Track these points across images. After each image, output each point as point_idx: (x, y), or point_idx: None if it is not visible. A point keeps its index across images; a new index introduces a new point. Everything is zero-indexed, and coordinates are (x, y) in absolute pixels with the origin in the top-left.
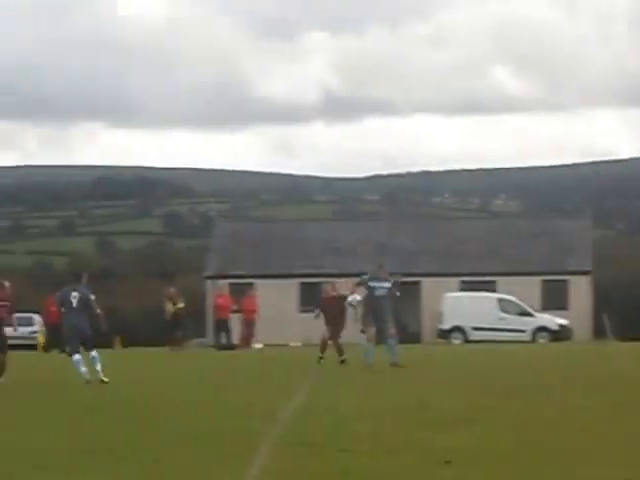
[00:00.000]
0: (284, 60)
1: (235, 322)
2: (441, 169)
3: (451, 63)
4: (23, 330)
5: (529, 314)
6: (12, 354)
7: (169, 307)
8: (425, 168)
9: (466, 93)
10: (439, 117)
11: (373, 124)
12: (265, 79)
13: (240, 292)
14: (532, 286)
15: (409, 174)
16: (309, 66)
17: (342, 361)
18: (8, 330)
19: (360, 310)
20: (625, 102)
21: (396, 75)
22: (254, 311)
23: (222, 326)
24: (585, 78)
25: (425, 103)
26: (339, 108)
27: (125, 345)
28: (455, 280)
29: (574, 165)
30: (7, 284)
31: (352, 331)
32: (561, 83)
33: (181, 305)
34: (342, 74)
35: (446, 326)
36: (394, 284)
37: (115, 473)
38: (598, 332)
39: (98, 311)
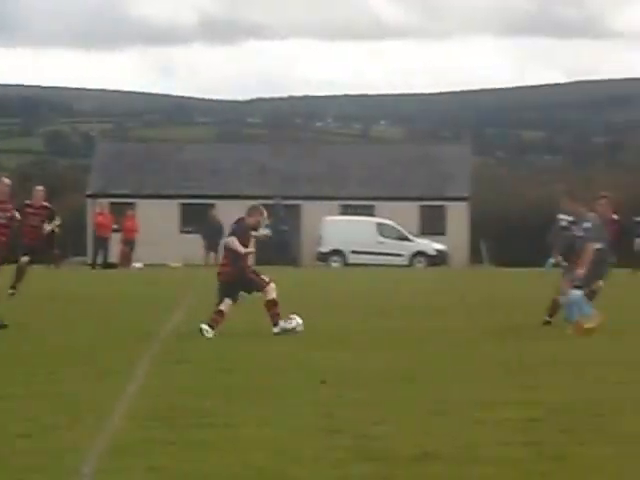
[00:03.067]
0: None
1: (115, 241)
2: (323, 94)
3: None
4: None
5: (407, 239)
6: None
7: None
8: (307, 92)
9: (345, 18)
10: (318, 42)
11: (253, 47)
12: (142, 1)
13: (121, 212)
14: (411, 211)
15: (291, 98)
16: None
17: None
18: None
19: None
20: (504, 31)
21: None
22: (134, 230)
23: (101, 244)
24: (464, 6)
25: (304, 27)
26: (218, 30)
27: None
28: (335, 204)
29: (454, 93)
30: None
31: None
32: (440, 11)
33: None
34: None
35: (325, 249)
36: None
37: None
38: (475, 258)
39: None
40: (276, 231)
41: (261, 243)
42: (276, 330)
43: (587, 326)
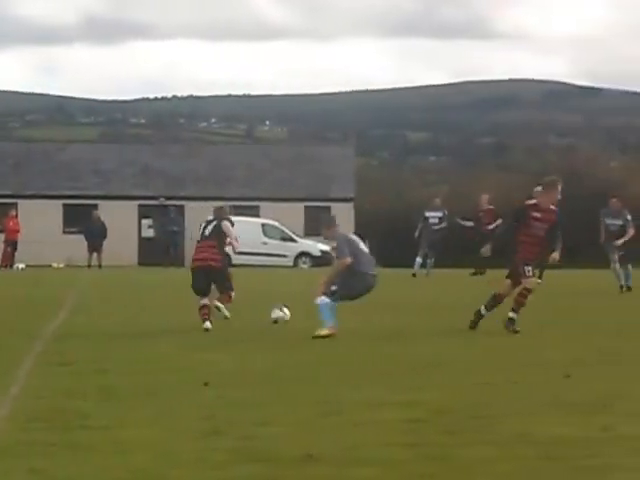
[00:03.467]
0: None
1: None
2: (207, 94)
3: None
4: None
5: (292, 239)
6: None
7: None
8: (191, 92)
9: (229, 19)
10: (202, 42)
11: (136, 47)
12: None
13: (3, 212)
14: (296, 212)
15: (175, 98)
16: None
17: None
18: None
19: None
20: (387, 32)
21: None
22: (16, 231)
23: None
24: (347, 7)
25: (187, 28)
26: (101, 30)
27: None
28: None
29: (339, 93)
30: None
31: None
32: (323, 12)
33: None
34: None
35: None
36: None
37: None
38: None
39: None
40: (166, 232)
41: (150, 244)
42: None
43: (320, 333)
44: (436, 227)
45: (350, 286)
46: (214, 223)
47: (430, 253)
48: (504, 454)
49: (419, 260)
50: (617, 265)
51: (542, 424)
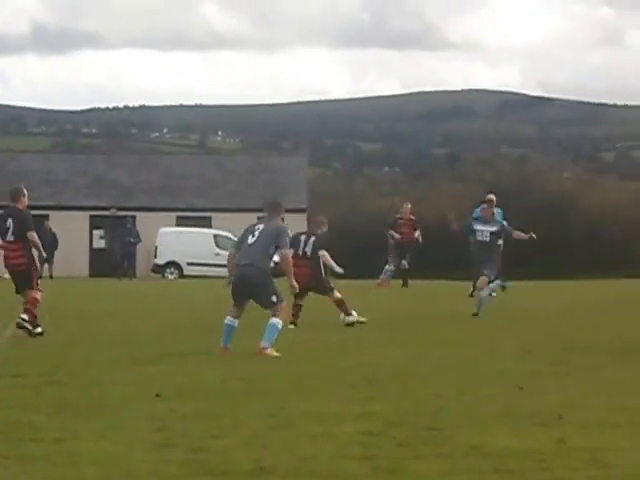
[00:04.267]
0: None
1: None
2: (159, 104)
3: None
4: None
5: None
6: None
7: None
8: (143, 102)
9: (179, 29)
10: (153, 51)
11: (86, 56)
12: None
13: None
14: (248, 222)
15: (127, 108)
16: None
17: None
18: None
19: None
20: (338, 42)
21: (105, 8)
22: None
23: None
24: (298, 17)
25: (135, 37)
26: (50, 40)
27: None
28: (171, 215)
29: (291, 104)
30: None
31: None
32: (273, 22)
33: None
34: (50, 6)
35: (161, 261)
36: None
37: None
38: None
39: None
40: (122, 242)
41: (101, 255)
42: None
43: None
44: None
45: None
46: (312, 239)
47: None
48: (458, 467)
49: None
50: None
51: (496, 436)
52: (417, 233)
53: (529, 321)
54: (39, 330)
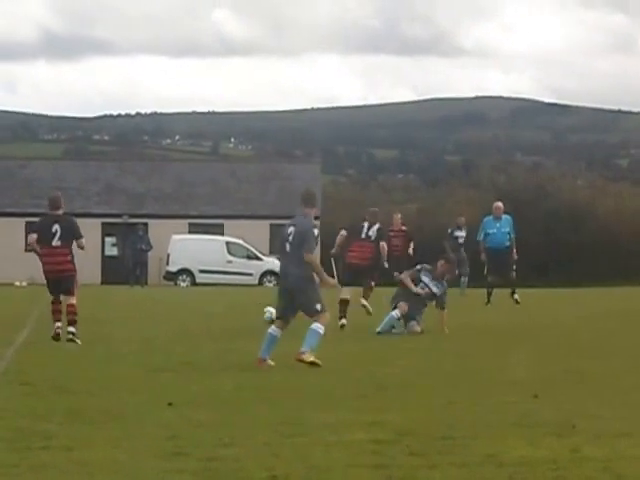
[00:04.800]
0: None
1: None
2: (172, 111)
3: (172, 4)
4: None
5: (257, 257)
6: None
7: None
8: (155, 109)
9: (191, 35)
10: (164, 58)
11: (97, 63)
12: None
13: None
14: (261, 230)
15: (139, 115)
16: (26, 4)
17: None
18: None
19: None
20: (351, 49)
21: (116, 15)
22: None
23: None
24: (311, 24)
25: (147, 44)
26: (61, 47)
27: None
28: (183, 222)
29: (305, 110)
30: None
31: None
32: (286, 28)
33: None
34: (60, 13)
35: (173, 268)
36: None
37: None
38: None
39: None
40: (134, 250)
41: (113, 262)
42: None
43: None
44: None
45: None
46: (377, 226)
47: (462, 272)
48: (471, 476)
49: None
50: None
51: (510, 445)
52: (411, 245)
53: (543, 329)
54: (72, 330)
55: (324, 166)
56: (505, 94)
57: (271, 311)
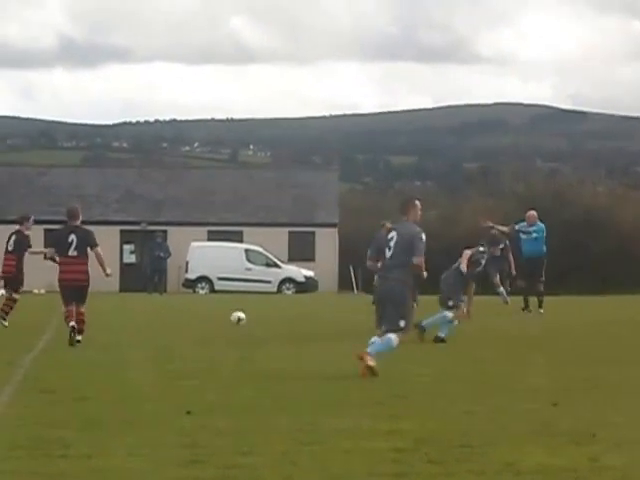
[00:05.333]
0: (20, 4)
1: None
2: (190, 118)
3: (190, 11)
4: None
5: (275, 265)
6: None
7: None
8: (174, 116)
9: (209, 42)
10: (183, 65)
11: (115, 70)
12: (1, 24)
13: None
14: (279, 237)
15: (158, 122)
16: (45, 11)
17: None
18: None
19: None
20: (369, 56)
21: (135, 22)
22: None
23: None
24: (328, 31)
25: (165, 51)
26: (79, 54)
27: None
28: (202, 229)
29: (323, 118)
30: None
31: None
32: (303, 35)
33: None
34: (78, 20)
35: (192, 276)
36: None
37: None
38: (344, 284)
39: None
40: (153, 257)
41: (132, 270)
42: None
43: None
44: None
45: None
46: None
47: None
48: None
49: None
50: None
51: (529, 453)
52: None
53: (562, 336)
54: (79, 338)
55: (342, 174)
56: (523, 101)
57: (240, 316)
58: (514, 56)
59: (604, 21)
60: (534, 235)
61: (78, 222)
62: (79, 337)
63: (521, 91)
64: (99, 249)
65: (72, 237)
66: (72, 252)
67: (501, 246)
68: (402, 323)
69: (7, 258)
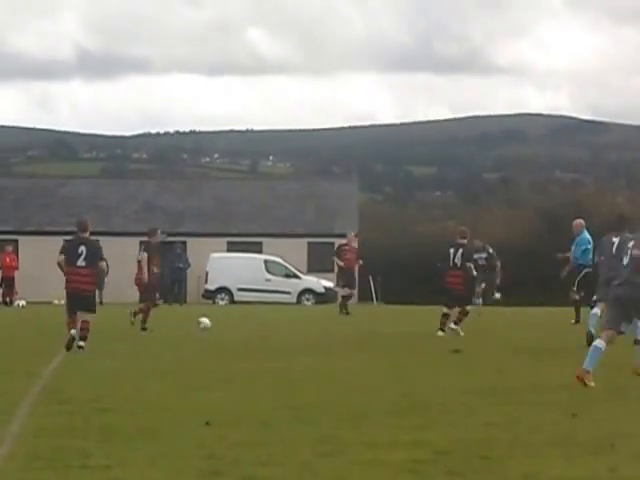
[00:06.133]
0: (37, 16)
1: None
2: (210, 129)
3: (207, 22)
4: None
5: (295, 276)
6: None
7: None
8: (194, 128)
9: (226, 54)
10: (199, 77)
11: (134, 82)
12: (19, 35)
13: (3, 249)
14: (298, 248)
15: (178, 133)
16: (62, 22)
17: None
18: None
19: None
20: (385, 67)
21: (152, 33)
22: (14, 268)
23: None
24: (345, 42)
25: (183, 63)
26: (96, 65)
27: None
28: (222, 240)
29: (342, 128)
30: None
31: None
32: (321, 47)
33: None
34: (96, 32)
35: (212, 287)
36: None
37: None
38: (364, 295)
39: None
40: (172, 268)
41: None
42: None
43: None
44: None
45: None
46: (461, 251)
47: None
48: None
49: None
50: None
51: (548, 465)
52: (360, 262)
53: (580, 347)
54: (82, 344)
55: (361, 184)
56: (543, 111)
57: (205, 322)
58: (531, 66)
59: (620, 31)
60: (577, 246)
61: (87, 234)
62: (81, 343)
63: (538, 101)
64: (104, 264)
65: (82, 248)
66: (81, 262)
67: (484, 255)
68: None
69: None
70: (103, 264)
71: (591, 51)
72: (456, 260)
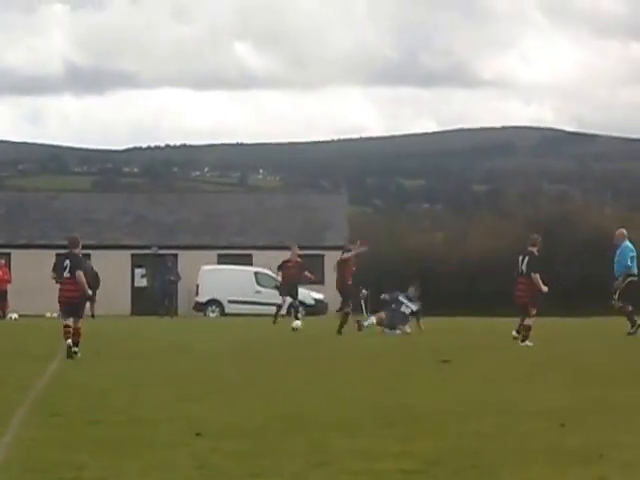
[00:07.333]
0: (26, 32)
1: None
2: (200, 143)
3: (196, 37)
4: None
5: None
6: None
7: None
8: (184, 141)
9: (214, 68)
10: (188, 91)
11: (123, 96)
12: (9, 51)
13: None
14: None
15: (168, 147)
16: (52, 38)
17: None
18: None
19: None
20: (371, 80)
21: (142, 48)
22: (7, 281)
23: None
24: (331, 56)
25: (171, 77)
26: (86, 80)
27: None
28: (212, 253)
29: (332, 142)
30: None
31: None
32: (307, 60)
33: None
34: (85, 47)
35: (202, 299)
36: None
37: None
38: (354, 307)
39: None
40: (164, 281)
41: (143, 293)
42: None
43: None
44: None
45: None
46: (527, 259)
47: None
48: None
49: None
50: None
51: (536, 474)
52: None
53: (570, 358)
54: (76, 350)
55: (351, 197)
56: (529, 124)
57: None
58: (516, 80)
59: (604, 44)
60: (622, 255)
61: (77, 250)
62: (76, 349)
63: (523, 114)
64: (81, 273)
65: (67, 262)
66: (66, 274)
67: None
68: None
69: None
70: (80, 273)
71: (575, 64)
72: (523, 267)
